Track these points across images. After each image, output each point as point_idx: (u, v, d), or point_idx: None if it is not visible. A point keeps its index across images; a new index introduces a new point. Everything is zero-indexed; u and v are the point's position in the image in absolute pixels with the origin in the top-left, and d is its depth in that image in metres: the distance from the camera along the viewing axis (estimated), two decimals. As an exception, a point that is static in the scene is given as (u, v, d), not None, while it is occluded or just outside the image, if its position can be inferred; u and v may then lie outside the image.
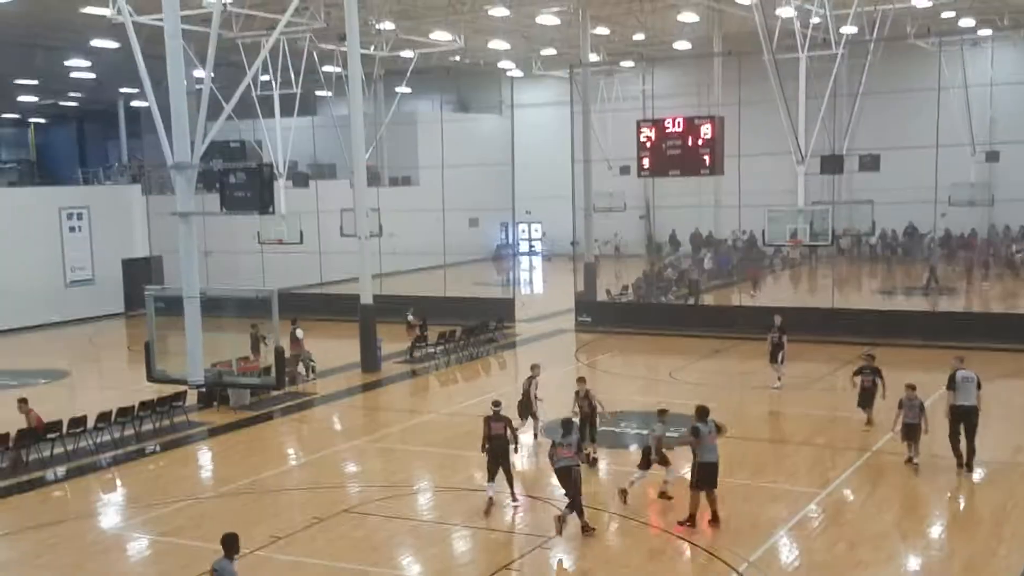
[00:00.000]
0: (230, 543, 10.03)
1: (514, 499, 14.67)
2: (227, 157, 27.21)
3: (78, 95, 53.26)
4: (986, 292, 35.68)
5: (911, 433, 15.54)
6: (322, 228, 34.15)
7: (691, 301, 33.70)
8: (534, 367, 17.79)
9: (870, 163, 34.49)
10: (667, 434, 14.73)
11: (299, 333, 24.49)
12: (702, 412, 13.69)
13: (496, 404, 14.98)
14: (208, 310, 15.03)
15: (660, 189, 42.16)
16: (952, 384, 15.38)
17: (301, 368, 24.10)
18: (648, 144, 24.54)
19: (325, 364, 25.39)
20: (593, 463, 16.38)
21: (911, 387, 15.65)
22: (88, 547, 13.85)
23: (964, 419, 15.30)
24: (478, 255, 49.54)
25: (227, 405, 21.57)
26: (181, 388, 19.31)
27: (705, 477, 13.38)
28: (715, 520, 13.46)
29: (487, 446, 14.54)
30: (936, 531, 13.42)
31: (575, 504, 13.19)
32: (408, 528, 14.07)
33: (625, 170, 36.51)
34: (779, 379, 21.76)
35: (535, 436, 17.72)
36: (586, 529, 13.26)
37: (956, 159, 34.73)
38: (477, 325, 28.34)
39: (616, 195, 37.59)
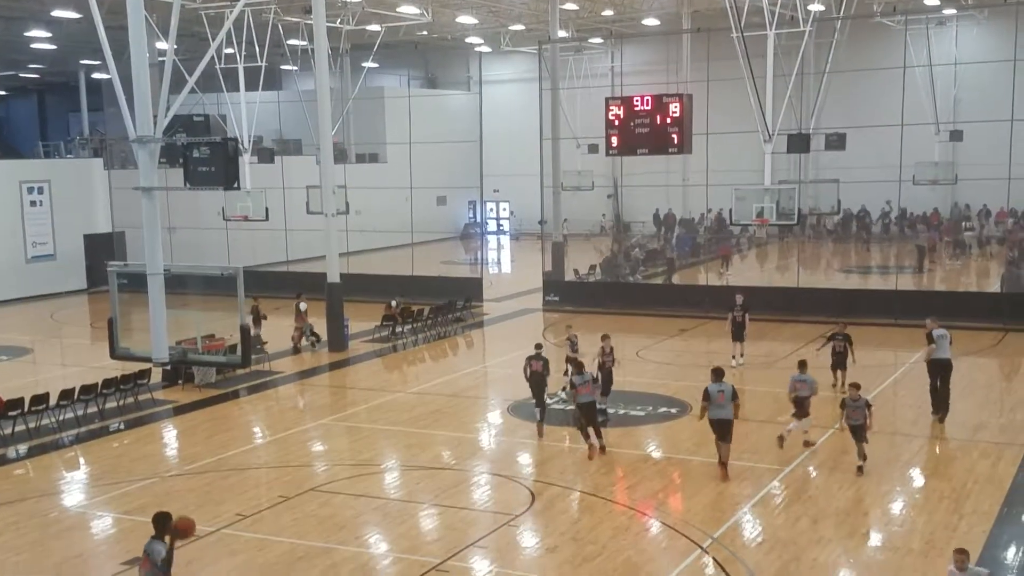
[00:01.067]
0: (161, 522, 9.54)
1: (540, 431, 17.11)
2: (191, 131, 26.73)
3: (39, 67, 52.23)
4: (949, 271, 36.16)
5: (857, 434, 14.56)
6: (288, 205, 33.85)
7: (669, 280, 33.89)
8: (605, 336, 19.05)
9: (836, 142, 34.67)
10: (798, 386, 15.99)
11: (302, 306, 25.22)
12: (717, 373, 15.11)
13: (538, 347, 17.98)
14: (172, 287, 14.83)
15: (627, 167, 42.18)
16: (931, 340, 17.12)
17: (304, 340, 25.13)
18: (616, 122, 24.48)
19: (290, 343, 25.21)
20: (603, 414, 17.80)
21: (855, 386, 14.89)
22: (51, 525, 13.70)
23: (940, 370, 17.19)
24: (446, 234, 49.40)
25: (192, 383, 21.41)
26: (145, 366, 19.11)
27: (715, 430, 14.92)
28: (724, 468, 14.86)
29: (528, 379, 17.48)
30: (897, 507, 13.61)
31: (597, 431, 15.94)
32: (375, 507, 14.06)
33: (594, 148, 36.46)
34: (741, 355, 22.03)
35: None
36: (603, 450, 15.93)
37: (920, 138, 35.06)
38: (445, 304, 28.29)
39: (584, 174, 37.57)
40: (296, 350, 25.02)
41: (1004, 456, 15.42)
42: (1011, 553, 11.93)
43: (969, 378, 20.47)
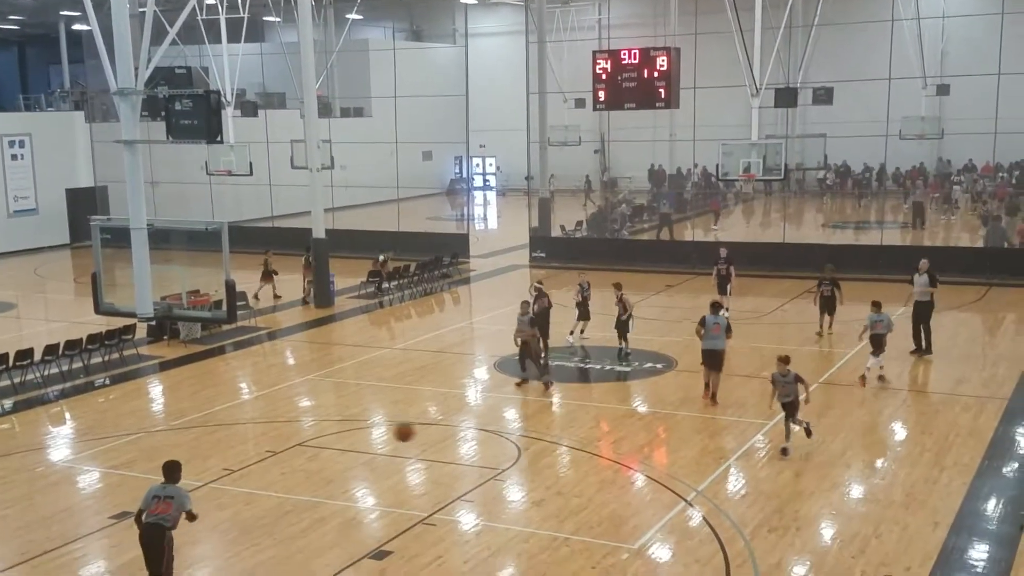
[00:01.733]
0: (173, 470, 9.97)
1: (546, 372, 17.72)
2: (173, 84, 26.40)
3: (18, 18, 51.25)
4: (937, 226, 36.25)
5: (788, 411, 13.77)
6: (272, 160, 33.56)
7: (664, 236, 33.80)
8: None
9: (823, 96, 34.51)
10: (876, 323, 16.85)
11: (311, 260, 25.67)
12: (715, 307, 16.50)
13: (539, 282, 19.86)
14: (156, 242, 14.75)
15: (615, 122, 41.93)
16: (913, 283, 18.88)
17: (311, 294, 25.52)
18: (604, 76, 24.23)
19: (280, 299, 25.15)
20: (626, 357, 19.10)
21: (783, 360, 13.85)
22: (37, 480, 13.71)
23: (922, 311, 18.66)
24: (432, 189, 49.13)
25: (178, 339, 21.35)
26: (130, 321, 19.05)
27: (706, 360, 16.15)
28: (713, 399, 16.02)
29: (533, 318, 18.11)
30: (879, 460, 13.76)
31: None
32: (363, 461, 14.13)
33: (580, 103, 36.20)
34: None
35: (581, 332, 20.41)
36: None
37: (907, 93, 34.96)
38: (431, 260, 28.22)
39: (571, 128, 37.34)
40: (306, 302, 25.38)
41: (986, 409, 15.59)
42: (991, 505, 12.10)
43: (952, 332, 20.64)
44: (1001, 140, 30.95)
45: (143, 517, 9.67)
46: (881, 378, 16.97)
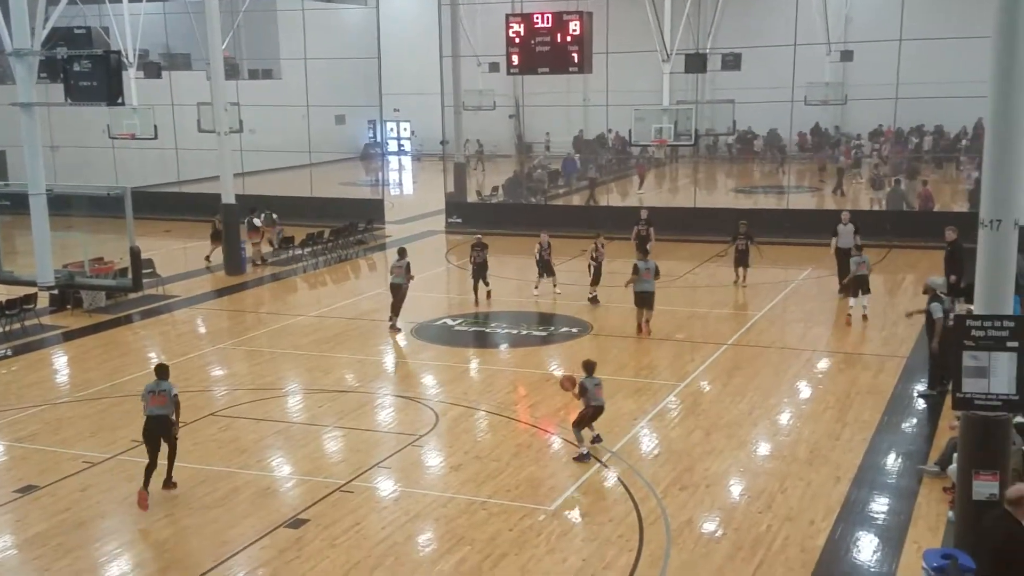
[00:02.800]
0: (162, 369, 11.81)
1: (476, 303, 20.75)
2: (72, 44, 25.32)
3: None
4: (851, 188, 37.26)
5: (596, 416, 12.80)
6: (178, 123, 32.63)
7: (592, 202, 34.07)
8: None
9: (732, 62, 35.02)
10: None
11: (256, 222, 25.49)
12: (645, 252, 19.00)
13: (478, 237, 21.42)
14: (57, 208, 14.29)
15: (529, 87, 41.89)
16: (835, 233, 20.90)
17: (270, 246, 26.01)
18: (517, 40, 24.15)
19: (186, 266, 24.60)
20: (594, 301, 20.76)
21: (588, 366, 12.84)
22: (-65, 458, 13.23)
23: (845, 257, 20.16)
24: (345, 154, 48.45)
25: (81, 308, 20.75)
26: (31, 290, 18.46)
27: (639, 301, 18.16)
28: (647, 331, 18.07)
29: (473, 268, 21.00)
30: (785, 418, 14.21)
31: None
32: (278, 430, 14.00)
33: (495, 67, 36.03)
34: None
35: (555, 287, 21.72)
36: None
37: (813, 59, 35.69)
38: (345, 226, 27.91)
39: (485, 93, 37.17)
40: (209, 270, 25.08)
41: (885, 368, 16.21)
42: (890, 459, 12.62)
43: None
44: (902, 105, 31.90)
45: (144, 412, 11.54)
46: (864, 317, 18.86)
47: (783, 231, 26.70)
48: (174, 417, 11.62)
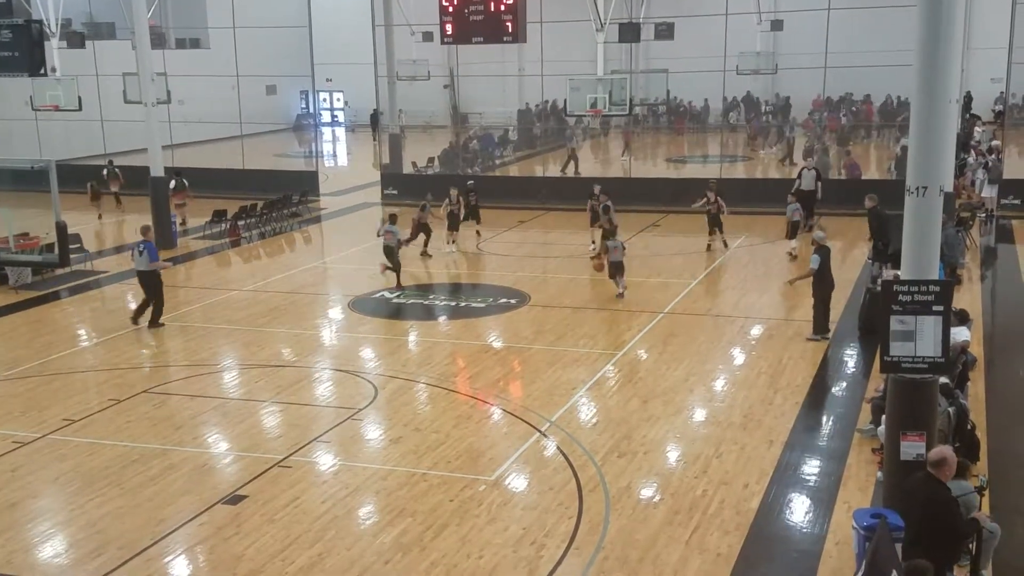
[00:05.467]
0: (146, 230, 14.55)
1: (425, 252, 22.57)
2: (-11, 13, 24.50)
3: None
4: (768, 158, 37.84)
5: (612, 273, 19.12)
6: (103, 94, 31.76)
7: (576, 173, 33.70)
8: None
9: (665, 31, 35.16)
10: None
11: (171, 184, 25.44)
12: (613, 231, 19.57)
13: (425, 200, 23.18)
14: (-23, 183, 13.84)
15: (464, 57, 41.57)
16: (799, 176, 23.99)
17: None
18: (450, 8, 23.94)
19: (115, 241, 24.02)
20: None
21: (607, 234, 19.17)
22: None
23: (805, 200, 22.72)
24: (278, 125, 47.66)
25: (6, 284, 20.17)
26: (-48, 269, 17.87)
27: (614, 271, 18.92)
28: (622, 295, 18.85)
29: (416, 233, 22.62)
30: (719, 384, 14.46)
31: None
32: (213, 406, 13.82)
33: (428, 36, 35.69)
34: (593, 243, 22.74)
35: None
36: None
37: (744, 28, 36.01)
38: (279, 199, 27.51)
39: (419, 63, 36.82)
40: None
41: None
42: (821, 422, 12.95)
43: (782, 260, 21.74)
44: (831, 74, 32.39)
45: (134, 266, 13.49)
46: (792, 255, 21.55)
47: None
48: None
